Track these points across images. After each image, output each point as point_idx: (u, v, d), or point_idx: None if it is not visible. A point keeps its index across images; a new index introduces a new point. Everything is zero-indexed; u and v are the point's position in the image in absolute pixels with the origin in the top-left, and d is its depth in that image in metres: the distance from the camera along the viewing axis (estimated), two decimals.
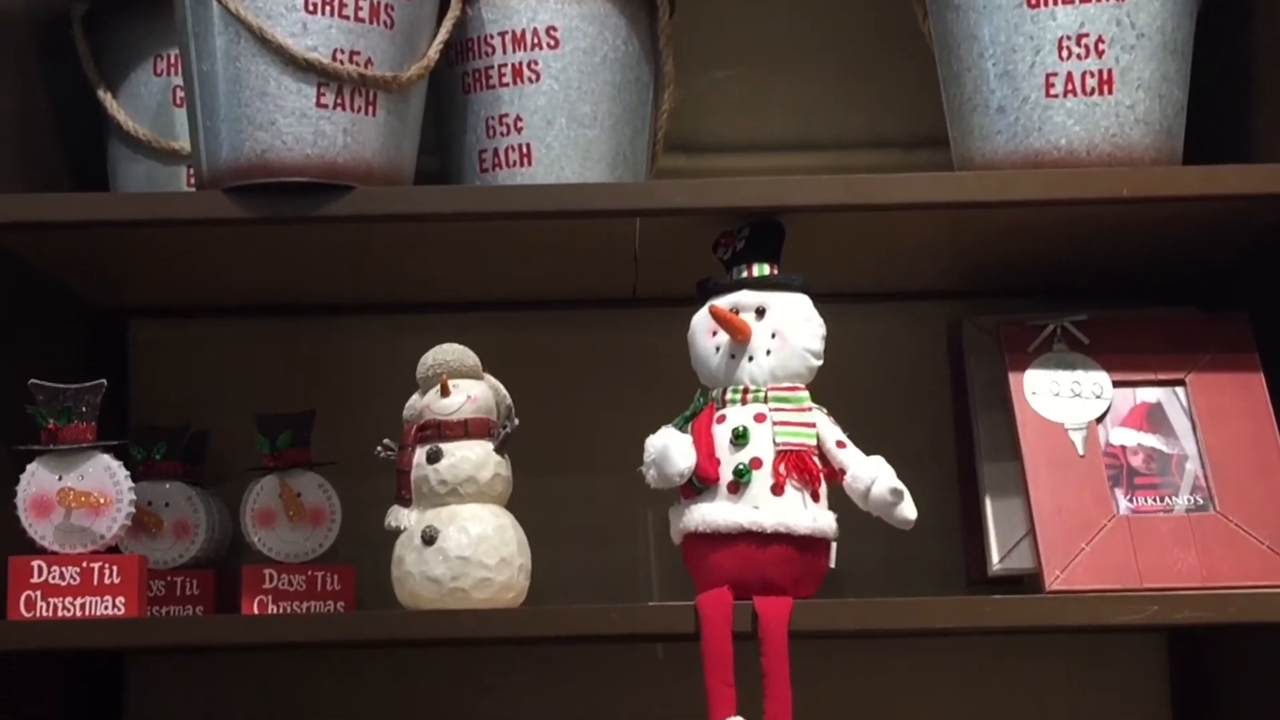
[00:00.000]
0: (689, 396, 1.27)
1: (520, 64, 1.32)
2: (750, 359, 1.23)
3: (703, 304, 1.26)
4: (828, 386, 1.25)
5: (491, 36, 1.33)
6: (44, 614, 1.23)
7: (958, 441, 1.44)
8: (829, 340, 1.25)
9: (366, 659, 1.53)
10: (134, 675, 1.53)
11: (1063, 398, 1.28)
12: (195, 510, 1.42)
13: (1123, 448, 1.28)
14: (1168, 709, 1.50)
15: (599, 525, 1.54)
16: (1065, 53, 1.23)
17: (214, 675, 1.53)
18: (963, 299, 1.48)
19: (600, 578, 1.52)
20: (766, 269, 1.25)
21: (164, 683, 1.53)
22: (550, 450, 1.49)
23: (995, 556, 1.30)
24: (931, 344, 1.50)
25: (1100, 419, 1.29)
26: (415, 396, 1.28)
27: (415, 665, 1.52)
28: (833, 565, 1.23)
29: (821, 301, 1.26)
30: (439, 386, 1.26)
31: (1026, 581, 1.31)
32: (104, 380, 1.26)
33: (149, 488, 1.40)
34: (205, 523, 1.42)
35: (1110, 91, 1.23)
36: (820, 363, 1.24)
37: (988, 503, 1.32)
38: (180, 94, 1.35)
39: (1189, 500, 1.26)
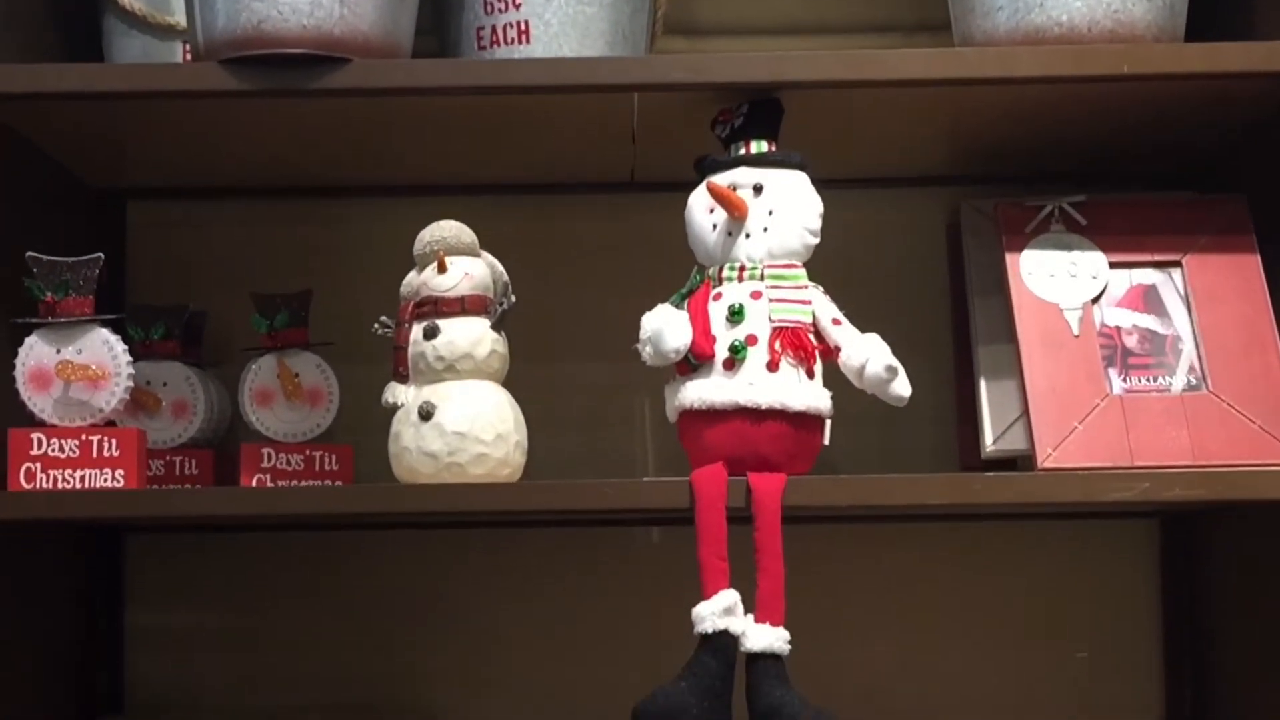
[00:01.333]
0: (686, 281, 1.27)
1: None
2: (747, 236, 1.23)
3: (700, 181, 1.26)
4: (825, 273, 1.25)
5: None
6: (44, 486, 1.24)
7: (954, 328, 1.45)
8: (827, 226, 1.25)
9: (363, 541, 1.54)
10: (133, 554, 1.55)
11: (1059, 279, 1.28)
12: (193, 390, 1.43)
13: (1117, 329, 1.29)
14: (1157, 595, 1.52)
15: (596, 410, 1.54)
16: None
17: (213, 555, 1.55)
18: (960, 184, 1.48)
19: (596, 462, 1.52)
20: (765, 146, 1.25)
21: (163, 562, 1.55)
22: (547, 335, 1.50)
23: (989, 439, 1.31)
24: (929, 230, 1.50)
25: (1096, 300, 1.29)
26: (412, 273, 1.28)
27: (411, 547, 1.54)
28: (827, 443, 1.24)
29: (821, 187, 1.25)
30: (436, 263, 1.26)
31: (1020, 465, 1.32)
32: (101, 254, 1.26)
33: (147, 368, 1.41)
34: (203, 403, 1.43)
35: None
36: (817, 241, 1.24)
37: (982, 386, 1.32)
38: None
39: (1182, 380, 1.27)
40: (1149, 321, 1.29)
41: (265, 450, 1.38)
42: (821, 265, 1.25)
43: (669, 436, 1.28)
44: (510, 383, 1.28)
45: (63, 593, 1.46)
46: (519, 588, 1.54)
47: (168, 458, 1.42)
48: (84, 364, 1.26)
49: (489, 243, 1.29)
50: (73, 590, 1.48)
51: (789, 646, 1.18)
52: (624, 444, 1.54)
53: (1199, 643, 1.49)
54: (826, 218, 1.25)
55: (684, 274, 1.27)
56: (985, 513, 1.49)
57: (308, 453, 1.38)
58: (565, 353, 1.54)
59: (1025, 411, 1.26)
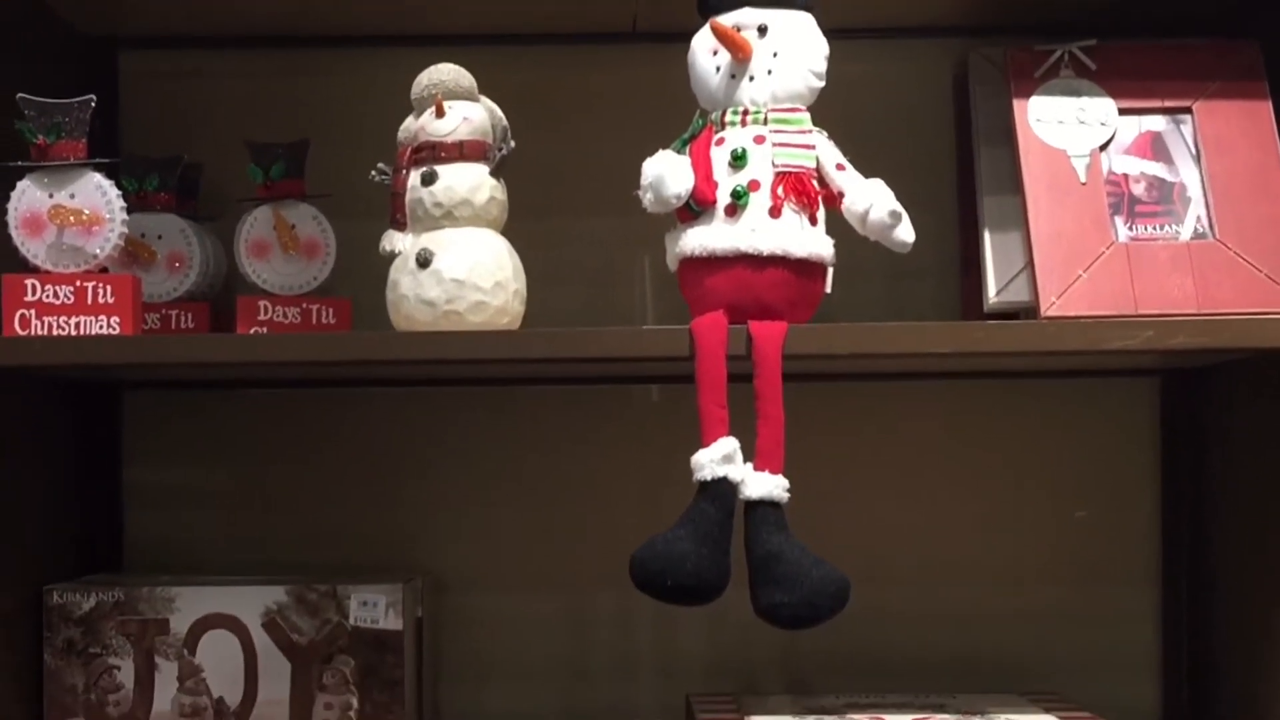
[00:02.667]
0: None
1: None
2: (751, 79, 1.21)
3: (704, 22, 1.23)
4: (830, 125, 1.23)
5: None
6: (38, 332, 1.23)
7: (959, 181, 1.43)
8: (833, 78, 1.23)
9: (361, 399, 1.54)
10: (130, 411, 1.55)
11: (1067, 125, 1.26)
12: (188, 242, 1.42)
13: (1125, 176, 1.27)
14: (1157, 455, 1.52)
15: (596, 265, 1.53)
16: None
17: (210, 413, 1.54)
18: (968, 36, 1.45)
19: (596, 318, 1.51)
20: None
21: (160, 419, 1.54)
22: (547, 189, 1.48)
23: (992, 290, 1.30)
24: (935, 82, 1.48)
25: (1104, 147, 1.27)
26: (410, 119, 1.26)
27: (409, 404, 1.54)
28: (829, 291, 1.23)
29: (827, 37, 1.23)
30: (434, 107, 1.24)
31: (1023, 318, 1.31)
32: (93, 95, 1.24)
33: (141, 219, 1.39)
34: (199, 256, 1.42)
35: None
36: (822, 84, 1.22)
37: (986, 238, 1.31)
38: None
39: (1190, 229, 1.25)
40: (1157, 169, 1.27)
41: (262, 303, 1.37)
42: (826, 117, 1.23)
43: (670, 292, 1.27)
44: (509, 238, 1.26)
45: (60, 451, 1.46)
46: (518, 446, 1.54)
47: (164, 311, 1.41)
48: (77, 208, 1.24)
49: (489, 94, 1.27)
50: (70, 448, 1.48)
51: (788, 494, 1.18)
52: (624, 300, 1.53)
53: (1198, 504, 1.49)
54: (832, 69, 1.22)
55: (686, 126, 1.25)
56: (986, 370, 1.48)
57: (304, 306, 1.38)
58: (565, 207, 1.52)
59: (1029, 263, 1.25)
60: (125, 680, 1.38)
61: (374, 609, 1.39)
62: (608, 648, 1.54)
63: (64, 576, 1.41)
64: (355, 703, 1.38)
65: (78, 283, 1.23)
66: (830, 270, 1.22)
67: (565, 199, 1.52)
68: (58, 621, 1.37)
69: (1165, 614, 1.51)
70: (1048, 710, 1.37)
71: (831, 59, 1.22)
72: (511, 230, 1.27)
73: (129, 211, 1.27)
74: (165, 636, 1.38)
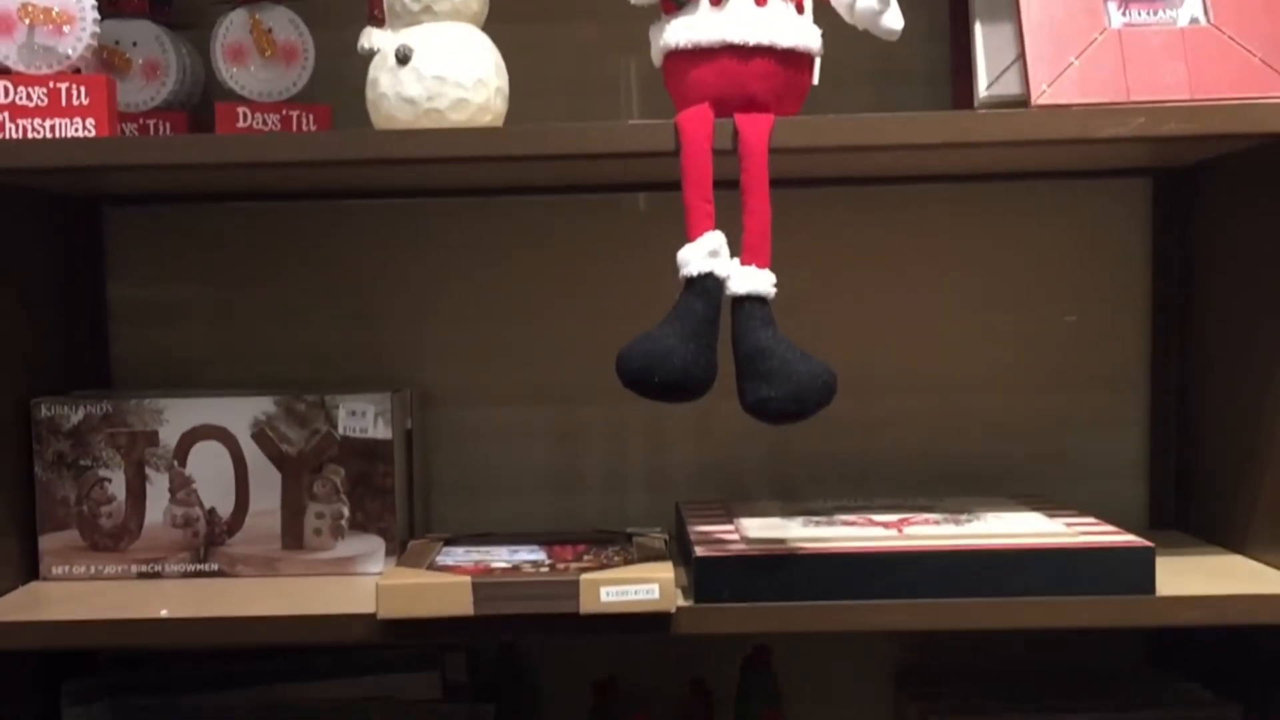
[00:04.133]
0: None
1: None
2: None
3: None
4: None
5: None
6: (13, 136, 1.21)
7: None
8: None
9: (343, 212, 1.52)
10: (112, 227, 1.53)
11: None
12: (164, 50, 1.39)
13: None
14: (1147, 257, 1.51)
15: (579, 71, 1.50)
16: None
17: (192, 228, 1.53)
18: None
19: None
20: None
21: (142, 235, 1.53)
22: None
23: (983, 84, 1.27)
24: None
25: None
26: None
27: (392, 216, 1.52)
28: (815, 83, 1.21)
29: None
30: None
31: None
32: None
33: (116, 26, 1.37)
34: (175, 64, 1.39)
35: None
36: None
37: (978, 29, 1.28)
38: None
39: (1185, 14, 1.22)
40: None
41: (241, 110, 1.35)
42: None
43: (654, 99, 1.25)
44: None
45: (44, 268, 1.44)
46: (504, 258, 1.53)
47: (141, 120, 1.39)
48: (47, 6, 1.21)
49: None
50: (54, 265, 1.47)
51: (775, 289, 1.17)
52: (608, 107, 1.50)
53: (1187, 307, 1.48)
54: None
55: None
56: (976, 172, 1.46)
57: (284, 112, 1.36)
58: (547, 11, 1.49)
59: (1021, 54, 1.22)
60: (116, 492, 1.38)
61: (363, 418, 1.39)
62: (597, 460, 1.55)
63: (51, 394, 1.40)
64: (346, 511, 1.39)
65: (51, 84, 1.21)
66: (817, 62, 1.20)
67: (547, 4, 1.49)
68: (47, 435, 1.37)
69: (1154, 418, 1.52)
70: (1035, 509, 1.38)
71: None
72: (491, 36, 1.25)
73: (102, 18, 1.24)
74: (155, 448, 1.38)
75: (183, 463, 1.38)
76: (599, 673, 1.52)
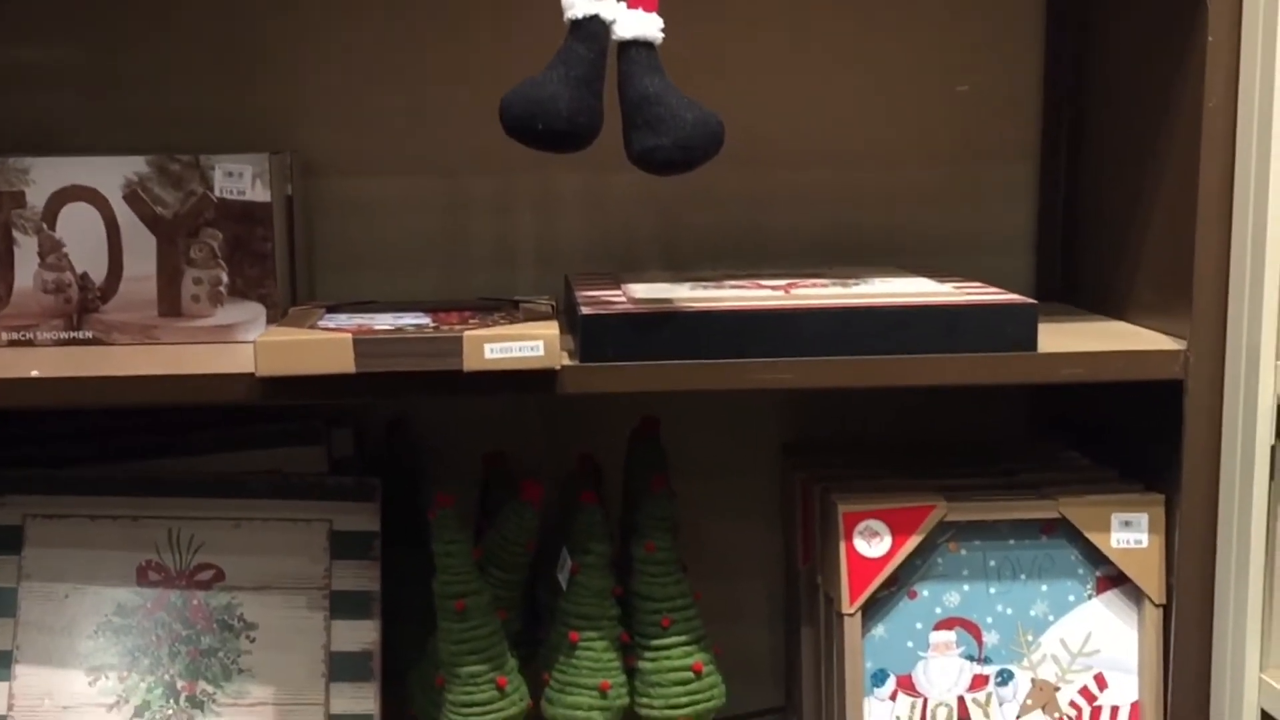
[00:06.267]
0: None
1: None
2: None
3: None
4: None
5: None
6: None
7: None
8: None
9: None
10: None
11: None
12: None
13: None
14: (1041, 25, 1.50)
15: None
16: None
17: None
18: None
19: None
20: None
21: None
22: None
23: None
24: None
25: None
26: None
27: None
28: None
29: None
30: None
31: None
32: None
33: None
34: None
35: None
36: None
37: None
38: None
39: None
40: None
41: None
42: None
43: None
44: None
45: None
46: (387, 15, 1.47)
47: None
48: None
49: None
50: None
51: (662, 35, 1.14)
52: None
53: (1080, 78, 1.47)
54: None
55: None
56: None
57: None
58: None
59: None
60: None
61: (240, 180, 1.34)
62: (486, 233, 1.52)
63: None
64: (225, 277, 1.35)
65: None
66: None
67: None
68: None
69: (1042, 190, 1.52)
70: (923, 276, 1.39)
71: None
72: None
73: None
74: (22, 210, 1.33)
75: (52, 225, 1.33)
76: (488, 448, 1.51)
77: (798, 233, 1.52)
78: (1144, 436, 1.33)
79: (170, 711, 1.36)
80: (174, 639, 1.37)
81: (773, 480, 1.55)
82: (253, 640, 1.37)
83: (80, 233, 1.33)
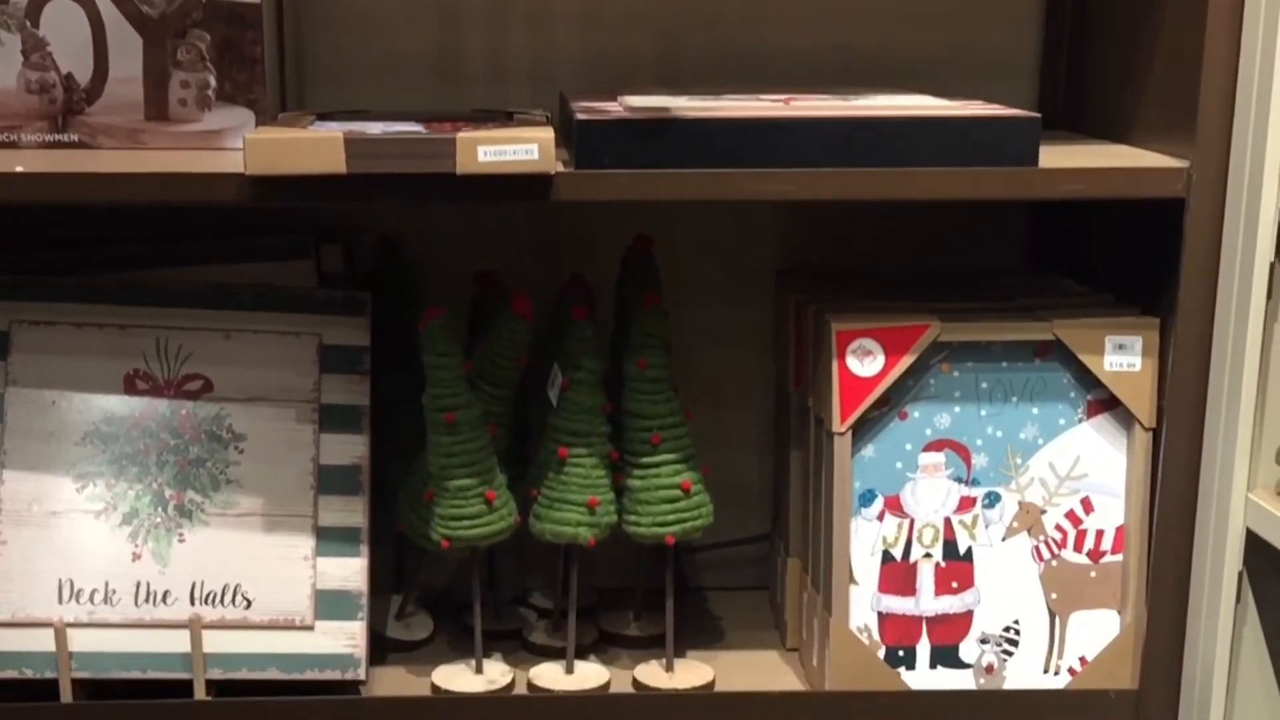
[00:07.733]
0: None
1: None
2: None
3: None
4: None
5: None
6: None
7: None
8: None
9: None
10: None
11: None
12: None
13: None
14: None
15: None
16: None
17: None
18: None
19: None
20: None
21: None
22: None
23: None
24: None
25: None
26: None
27: None
28: None
29: None
30: None
31: None
32: None
33: None
34: None
35: None
36: None
37: None
38: None
39: None
40: None
41: None
42: None
43: None
44: None
45: None
46: None
47: None
48: None
49: None
50: None
51: None
52: None
53: None
54: None
55: None
56: None
57: None
58: None
59: None
60: None
61: None
62: (480, 49, 1.49)
63: None
64: (213, 81, 1.32)
65: None
66: None
67: None
68: None
69: (1049, 13, 1.49)
70: (925, 95, 1.36)
71: None
72: None
73: None
74: (4, 5, 1.29)
75: (35, 23, 1.30)
76: (479, 268, 1.50)
77: (797, 54, 1.49)
78: (1141, 268, 1.32)
79: (159, 519, 1.36)
80: (162, 448, 1.37)
81: (766, 308, 1.53)
82: (241, 451, 1.37)
83: (65, 31, 1.30)
